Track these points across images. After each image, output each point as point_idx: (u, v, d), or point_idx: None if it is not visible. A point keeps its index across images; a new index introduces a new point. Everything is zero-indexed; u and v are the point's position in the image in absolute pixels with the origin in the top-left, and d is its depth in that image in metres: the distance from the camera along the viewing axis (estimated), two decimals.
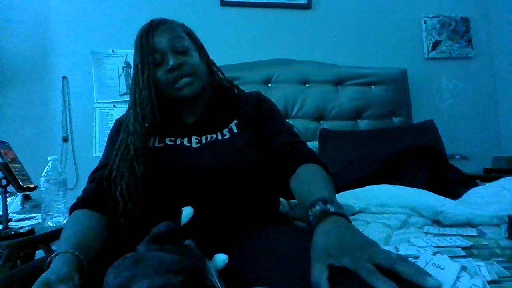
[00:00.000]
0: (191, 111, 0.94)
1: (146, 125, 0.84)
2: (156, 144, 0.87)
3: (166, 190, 0.81)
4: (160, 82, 0.88)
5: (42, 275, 0.55)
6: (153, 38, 0.87)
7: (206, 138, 0.88)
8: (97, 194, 0.80)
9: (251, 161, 0.85)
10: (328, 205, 0.60)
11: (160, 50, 0.87)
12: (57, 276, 0.54)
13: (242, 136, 0.88)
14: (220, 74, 1.01)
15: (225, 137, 0.88)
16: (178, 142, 0.88)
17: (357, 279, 0.45)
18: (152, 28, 0.88)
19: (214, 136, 0.88)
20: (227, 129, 0.90)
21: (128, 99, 0.90)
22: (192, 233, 0.64)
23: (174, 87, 0.88)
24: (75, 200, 0.81)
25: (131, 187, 0.78)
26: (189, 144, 0.87)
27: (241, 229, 0.80)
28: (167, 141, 0.88)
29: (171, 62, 0.86)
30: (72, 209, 0.78)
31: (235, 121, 0.91)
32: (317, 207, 0.60)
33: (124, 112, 0.94)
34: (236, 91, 1.01)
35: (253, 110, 0.93)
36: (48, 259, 0.60)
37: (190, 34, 0.95)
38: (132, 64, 0.94)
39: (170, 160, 0.83)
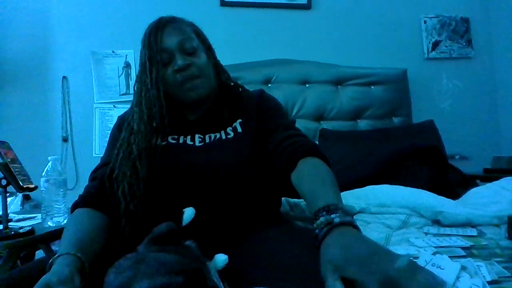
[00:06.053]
0: (196, 109, 0.93)
1: (154, 124, 0.84)
2: (159, 142, 0.86)
3: (168, 190, 0.80)
4: (168, 82, 0.87)
5: (43, 276, 0.54)
6: (162, 37, 0.86)
7: (210, 137, 0.87)
8: (98, 193, 0.79)
9: (255, 161, 0.84)
10: (333, 215, 0.55)
11: (168, 50, 0.86)
12: (58, 278, 0.54)
13: (246, 136, 0.87)
14: (225, 74, 0.99)
15: (229, 136, 0.87)
16: (181, 140, 0.87)
17: None
18: (161, 26, 0.87)
19: (218, 135, 0.88)
20: (231, 128, 0.89)
21: (129, 98, 0.89)
22: (193, 233, 0.64)
23: (181, 89, 0.87)
24: (75, 199, 0.80)
25: (133, 188, 0.77)
26: (192, 143, 0.86)
27: (242, 230, 0.80)
28: (170, 139, 0.87)
29: (179, 63, 0.85)
30: (73, 208, 0.78)
31: (240, 120, 0.90)
32: (322, 219, 0.55)
33: (127, 109, 0.93)
34: (240, 90, 1.00)
35: (254, 109, 0.92)
36: (50, 261, 0.60)
37: (199, 34, 0.93)
38: (132, 64, 0.93)
39: (173, 159, 0.83)
